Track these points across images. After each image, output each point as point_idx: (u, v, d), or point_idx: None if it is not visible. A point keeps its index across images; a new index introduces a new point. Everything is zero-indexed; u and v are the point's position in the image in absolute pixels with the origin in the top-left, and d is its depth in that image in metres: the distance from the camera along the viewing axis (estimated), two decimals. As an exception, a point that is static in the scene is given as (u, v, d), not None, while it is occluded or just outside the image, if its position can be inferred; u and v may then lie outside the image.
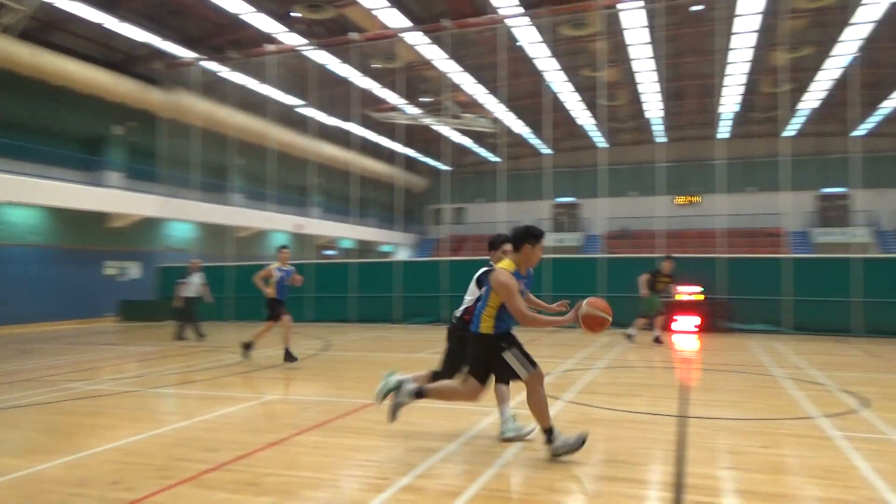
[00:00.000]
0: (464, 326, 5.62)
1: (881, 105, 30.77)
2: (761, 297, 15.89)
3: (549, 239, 42.10)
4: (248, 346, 10.71)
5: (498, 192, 32.55)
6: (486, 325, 5.11)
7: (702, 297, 16.29)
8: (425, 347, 12.90)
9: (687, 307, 16.07)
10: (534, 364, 5.09)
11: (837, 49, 24.29)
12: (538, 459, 5.13)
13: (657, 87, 30.00)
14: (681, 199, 40.92)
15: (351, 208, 34.60)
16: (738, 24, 21.83)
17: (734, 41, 23.49)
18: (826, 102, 31.78)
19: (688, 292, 16.20)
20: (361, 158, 35.99)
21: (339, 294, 19.90)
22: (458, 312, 6.02)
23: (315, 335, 15.47)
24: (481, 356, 5.19)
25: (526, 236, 5.10)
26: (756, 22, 21.64)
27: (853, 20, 21.14)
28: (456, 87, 29.46)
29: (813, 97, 31.03)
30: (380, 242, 42.85)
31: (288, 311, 10.65)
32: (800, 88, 29.92)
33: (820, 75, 27.84)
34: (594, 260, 18.74)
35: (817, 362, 10.85)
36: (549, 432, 5.07)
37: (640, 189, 39.42)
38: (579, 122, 36.53)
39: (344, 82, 27.81)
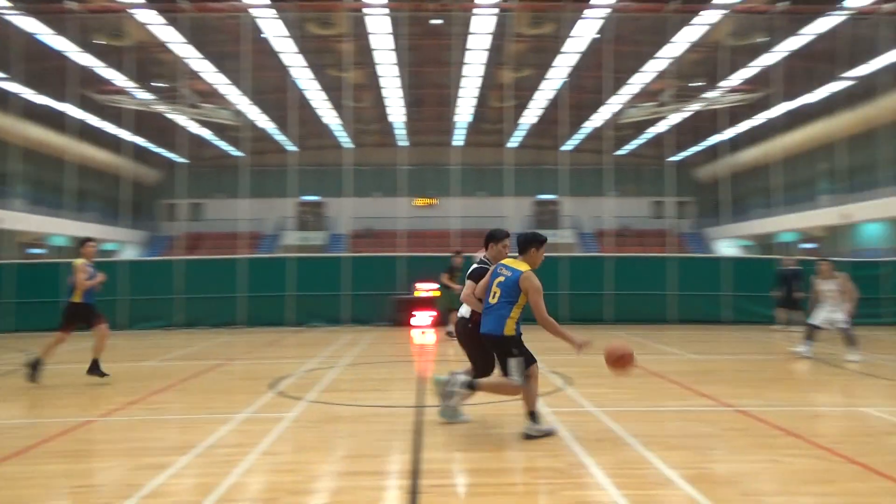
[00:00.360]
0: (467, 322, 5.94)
1: (584, 125, 35.86)
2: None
3: (293, 238, 41.62)
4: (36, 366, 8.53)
5: (240, 188, 31.21)
6: (510, 328, 5.53)
7: (438, 293, 17.40)
8: (155, 355, 11.85)
9: (423, 303, 17.02)
10: (526, 377, 5.53)
11: (552, 73, 27.73)
12: (281, 462, 5.03)
13: (400, 92, 31.35)
14: (420, 201, 43.26)
15: (65, 201, 30.39)
16: (471, 42, 23.76)
17: (468, 56, 25.52)
18: (542, 119, 36.16)
19: (425, 289, 17.16)
20: (80, 145, 31.80)
21: (47, 299, 17.31)
22: (464, 312, 6.09)
23: (17, 347, 13.27)
24: (498, 353, 5.60)
25: (532, 241, 5.74)
26: (486, 41, 23.75)
27: (564, 49, 24.29)
28: (194, 75, 27.55)
29: (532, 114, 35.09)
30: (102, 240, 38.33)
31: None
32: (521, 105, 33.59)
33: (538, 95, 31.56)
34: (338, 259, 18.94)
35: (534, 348, 12.24)
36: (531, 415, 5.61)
37: (383, 190, 40.80)
38: (325, 120, 36.64)
39: (59, 56, 24.33)
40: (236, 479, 4.62)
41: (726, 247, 40.43)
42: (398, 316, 17.04)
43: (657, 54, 24.55)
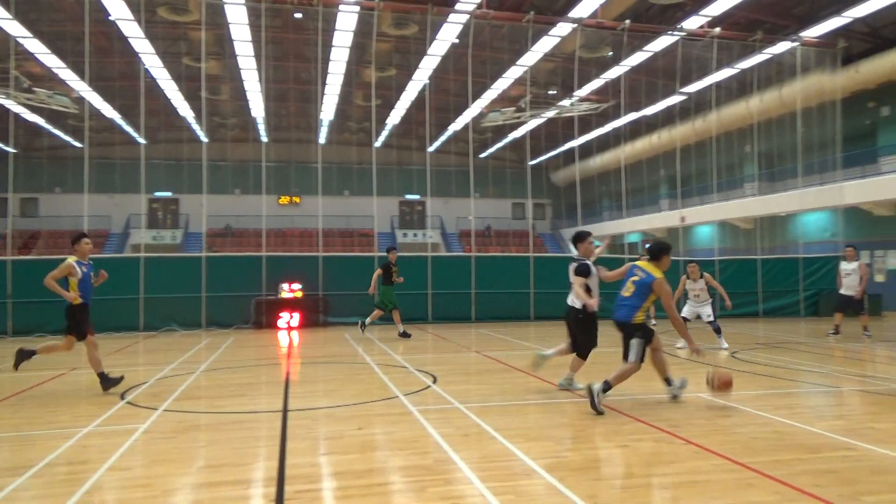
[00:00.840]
0: (578, 312, 7.50)
1: (448, 127, 36.58)
2: (356, 292, 17.32)
3: (144, 236, 38.90)
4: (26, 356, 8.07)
5: (81, 183, 28.61)
6: (638, 318, 6.79)
7: (301, 294, 17.00)
8: (-19, 366, 10.60)
9: (288, 304, 16.58)
10: (642, 359, 6.80)
11: (417, 74, 28.01)
12: (132, 478, 4.68)
13: (260, 86, 30.26)
14: (283, 199, 42.05)
15: None
16: (336, 38, 23.42)
17: (333, 53, 25.14)
18: (407, 120, 36.42)
19: (288, 289, 16.72)
20: None
21: None
22: (571, 301, 7.66)
23: None
24: (625, 336, 6.86)
25: (663, 249, 6.96)
26: (350, 39, 23.52)
27: (429, 51, 24.62)
28: (26, 55, 24.94)
29: (398, 114, 35.22)
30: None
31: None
32: (387, 105, 33.62)
33: (403, 95, 31.74)
34: (194, 259, 17.92)
35: (400, 348, 12.32)
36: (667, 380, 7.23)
37: (244, 187, 39.19)
38: (180, 112, 34.58)
39: None
40: (80, 499, 4.24)
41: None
42: (261, 318, 16.47)
43: (517, 62, 25.60)
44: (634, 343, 6.79)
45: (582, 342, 7.73)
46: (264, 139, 39.35)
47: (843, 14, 20.10)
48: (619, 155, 33.03)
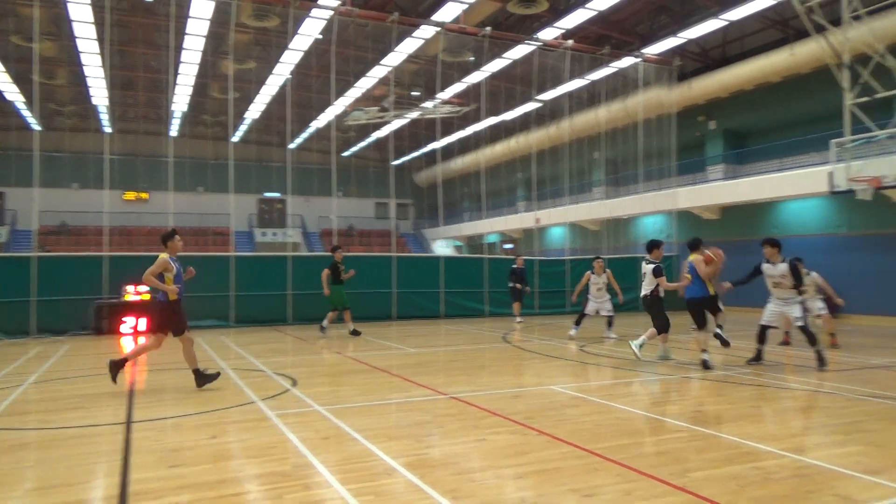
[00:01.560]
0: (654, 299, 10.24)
1: (310, 124, 35.84)
2: (210, 293, 16.48)
3: (-37, 233, 34.58)
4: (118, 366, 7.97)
5: None
6: (711, 290, 9.68)
7: (149, 296, 15.93)
8: None
9: (133, 307, 15.46)
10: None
11: (277, 68, 27.17)
12: (-60, 507, 4.14)
13: (103, 72, 27.94)
14: (129, 195, 39.18)
15: None
16: (190, 26, 22.13)
17: (186, 41, 23.74)
18: (267, 115, 35.23)
19: (135, 292, 15.60)
20: None
21: None
22: (645, 290, 10.31)
23: None
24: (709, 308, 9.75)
25: (697, 243, 9.90)
26: (206, 27, 22.34)
27: (290, 46, 23.97)
28: None
29: (256, 108, 33.96)
30: None
31: None
32: (245, 98, 32.31)
33: (263, 89, 30.66)
34: (23, 259, 16.14)
35: (258, 351, 11.91)
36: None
37: (83, 181, 36.00)
38: (8, 97, 31.13)
39: None
40: None
41: (442, 247, 43.76)
42: (102, 323, 15.20)
43: (381, 62, 25.59)
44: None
45: (658, 322, 10.17)
46: (107, 129, 36.39)
47: (679, 35, 22.05)
48: (479, 158, 34.06)
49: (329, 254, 15.26)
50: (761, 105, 22.83)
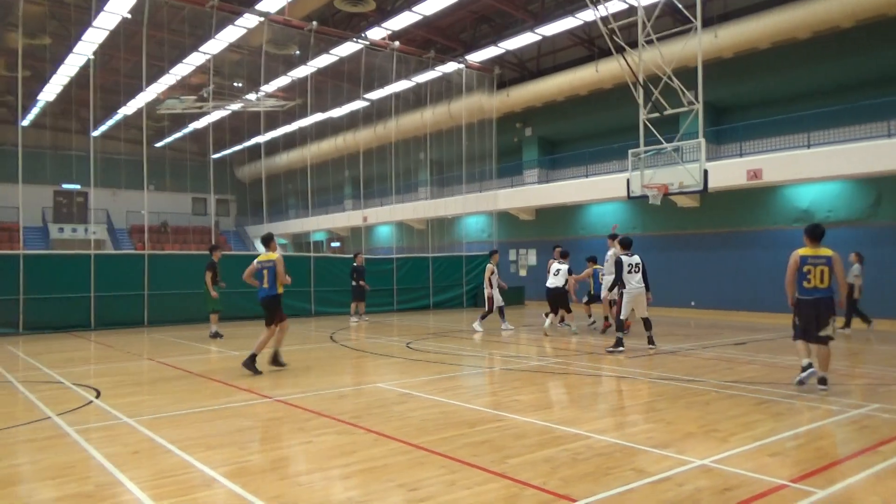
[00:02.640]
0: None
1: (118, 110, 32.80)
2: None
3: None
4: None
5: None
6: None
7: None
8: None
9: None
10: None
11: (79, 47, 24.51)
12: None
13: None
14: None
15: None
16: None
17: (-39, 8, 20.64)
18: (65, 98, 31.64)
19: None
20: None
21: None
22: (557, 284, 13.32)
23: None
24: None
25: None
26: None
27: (94, 23, 21.73)
28: None
29: (52, 90, 30.39)
30: None
31: None
32: (38, 77, 28.82)
33: (60, 69, 27.50)
34: None
35: (53, 361, 10.69)
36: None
37: None
38: None
39: None
40: None
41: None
42: None
43: (200, 48, 24.08)
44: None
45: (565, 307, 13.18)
46: None
47: (499, 45, 23.23)
48: (305, 154, 33.33)
49: (206, 253, 14.53)
50: (571, 115, 24.77)
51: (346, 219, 34.71)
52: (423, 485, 4.37)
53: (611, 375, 8.94)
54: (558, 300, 13.58)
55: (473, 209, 26.36)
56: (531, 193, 24.88)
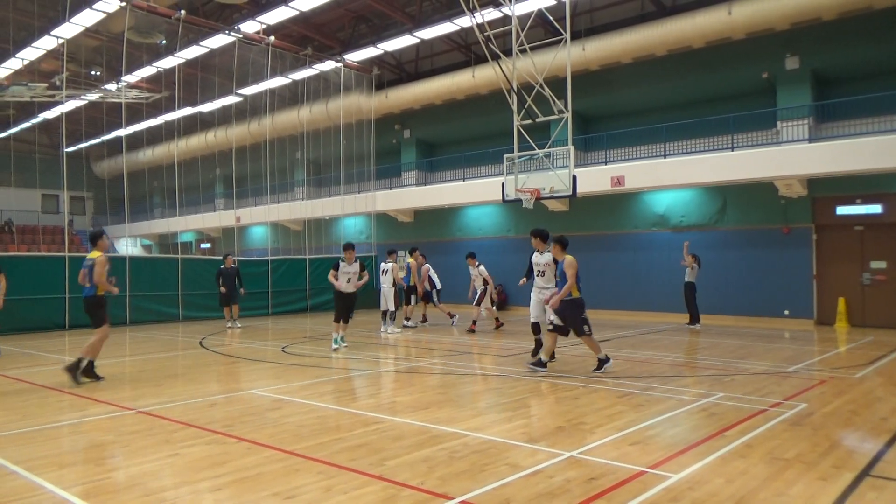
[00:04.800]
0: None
1: (-50, 96, 29.37)
2: None
3: None
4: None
5: None
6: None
7: None
8: None
9: None
10: None
11: None
12: None
13: None
14: None
15: None
16: None
17: None
18: None
19: None
20: None
21: None
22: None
23: None
24: None
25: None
26: None
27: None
28: None
29: None
30: None
31: None
32: None
33: None
34: None
35: None
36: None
37: None
38: None
39: None
40: None
41: (128, 246, 39.50)
42: None
43: (51, 31, 22.10)
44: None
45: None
46: None
47: (377, 46, 23.16)
48: (172, 150, 31.52)
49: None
50: (448, 119, 25.18)
51: (217, 219, 33.20)
52: (299, 492, 4.27)
53: (487, 374, 9.17)
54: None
55: (351, 210, 26.12)
56: (409, 195, 25.04)
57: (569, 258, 8.83)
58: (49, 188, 38.06)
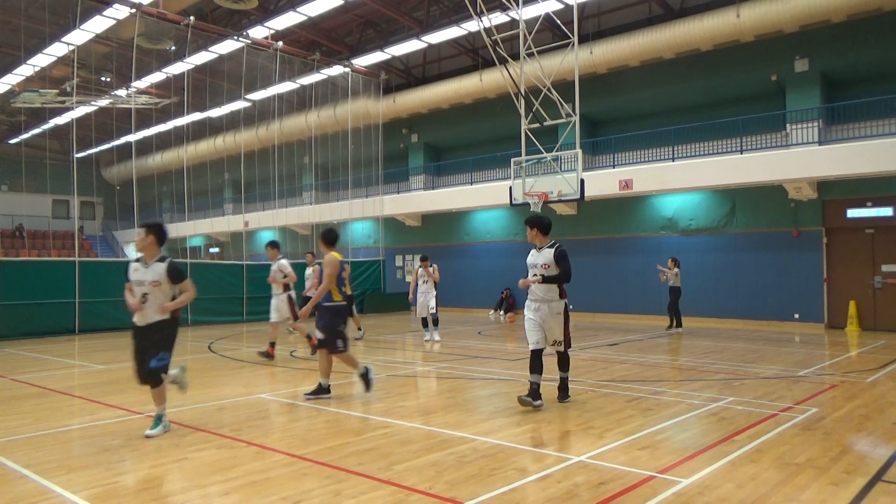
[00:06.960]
0: None
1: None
2: None
3: None
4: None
5: None
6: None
7: None
8: None
9: None
10: None
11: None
12: None
13: None
14: None
15: None
16: None
17: None
18: None
19: None
20: None
21: None
22: None
23: None
24: None
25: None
26: None
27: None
28: None
29: None
30: None
31: None
32: None
33: None
34: None
35: None
36: None
37: None
38: None
39: None
40: None
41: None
42: None
43: (62, 38, 22.29)
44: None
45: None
46: None
47: (385, 50, 23.22)
48: (181, 155, 31.71)
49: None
50: (456, 123, 25.20)
51: (225, 223, 33.32)
52: (307, 497, 4.27)
53: (495, 379, 9.16)
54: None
55: (359, 214, 26.15)
56: (417, 199, 25.05)
57: (328, 257, 7.43)
58: (59, 193, 38.31)
